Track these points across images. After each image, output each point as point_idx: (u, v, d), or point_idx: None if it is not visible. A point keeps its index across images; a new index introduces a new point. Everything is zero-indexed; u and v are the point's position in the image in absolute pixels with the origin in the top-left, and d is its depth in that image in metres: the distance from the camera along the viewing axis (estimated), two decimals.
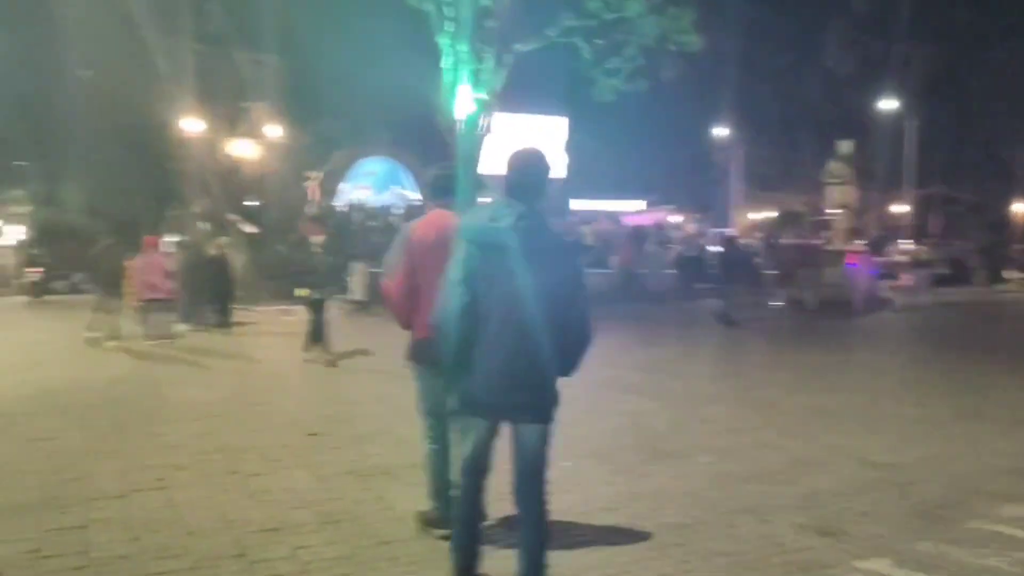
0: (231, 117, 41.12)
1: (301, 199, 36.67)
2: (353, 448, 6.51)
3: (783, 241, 23.64)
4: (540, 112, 34.59)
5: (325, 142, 39.29)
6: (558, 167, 34.80)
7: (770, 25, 35.03)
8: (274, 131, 40.03)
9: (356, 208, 33.17)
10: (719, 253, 24.93)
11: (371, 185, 39.75)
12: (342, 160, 39.86)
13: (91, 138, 32.48)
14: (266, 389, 9.24)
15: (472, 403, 3.53)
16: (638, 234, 24.78)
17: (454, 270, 3.48)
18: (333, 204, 36.66)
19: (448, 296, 3.47)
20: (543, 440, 3.50)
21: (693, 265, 22.38)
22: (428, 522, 4.47)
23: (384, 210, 34.41)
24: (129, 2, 30.06)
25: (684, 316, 18.50)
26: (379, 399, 8.37)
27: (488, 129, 16.82)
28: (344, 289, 18.25)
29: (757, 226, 35.88)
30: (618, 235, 25.72)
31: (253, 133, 41.48)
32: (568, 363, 3.54)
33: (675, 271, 22.57)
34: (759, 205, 39.94)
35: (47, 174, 34.03)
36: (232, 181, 37.19)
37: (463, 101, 16.17)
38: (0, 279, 25.37)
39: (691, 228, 35.20)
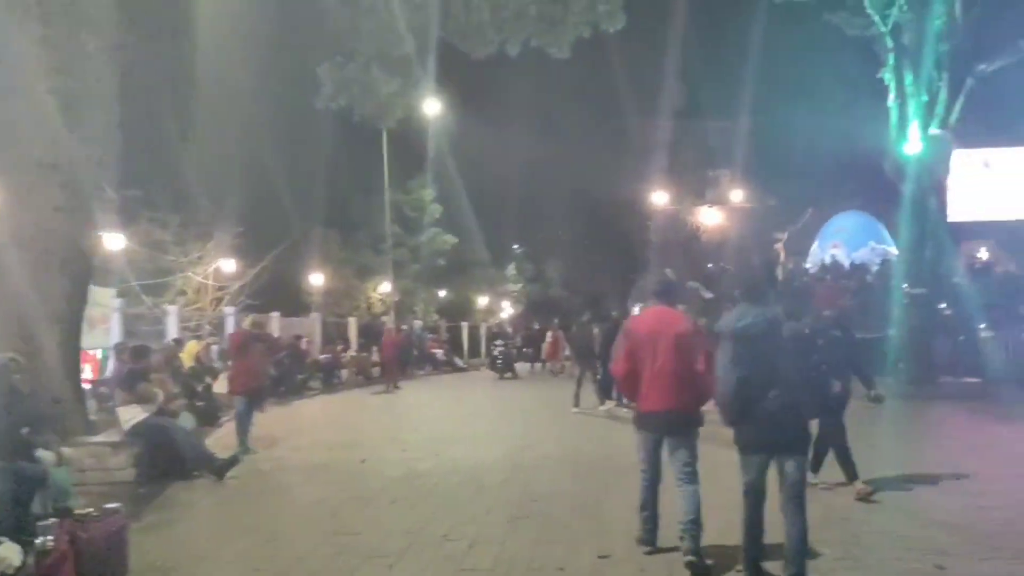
0: (697, 186, 42.69)
1: (770, 262, 36.05)
2: None
3: None
4: None
5: (791, 202, 38.37)
6: None
7: None
8: (738, 195, 40.39)
9: (828, 269, 31.17)
10: None
11: (843, 242, 37.09)
12: (811, 219, 38.32)
13: (568, 218, 36.50)
14: None
15: (752, 444, 4.75)
16: None
17: (724, 356, 4.74)
18: (804, 265, 35.14)
19: (724, 374, 4.71)
20: (801, 469, 4.68)
21: None
22: (637, 540, 5.48)
23: (859, 269, 31.67)
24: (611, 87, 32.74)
25: None
26: None
27: (947, 169, 14.62)
28: None
29: None
30: None
31: (719, 199, 42.39)
32: (810, 411, 4.95)
33: None
34: None
35: (533, 254, 39.03)
36: (695, 248, 38.32)
37: (913, 140, 14.35)
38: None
39: None
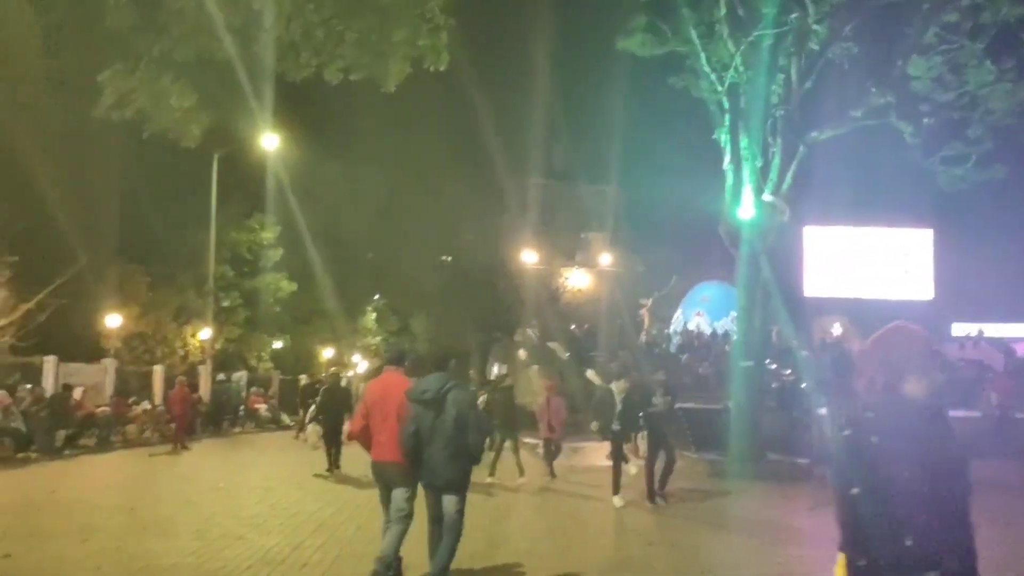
0: (568, 247, 42.38)
1: (635, 326, 35.74)
2: None
3: None
4: (898, 225, 29.82)
5: (659, 268, 38.45)
6: (923, 286, 29.60)
7: None
8: (607, 259, 40.22)
9: (687, 336, 30.89)
10: None
11: (706, 311, 37.19)
12: (676, 286, 38.39)
13: (434, 271, 35.03)
14: None
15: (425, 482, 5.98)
16: (1020, 366, 19.27)
17: (409, 413, 5.88)
18: (665, 331, 34.88)
19: (404, 427, 5.81)
20: (457, 504, 5.90)
21: None
22: None
23: (718, 339, 31.63)
24: (482, 141, 31.95)
25: None
26: None
27: (773, 233, 14.03)
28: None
29: None
30: (991, 367, 20.27)
31: (588, 262, 42.19)
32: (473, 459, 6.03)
33: None
34: None
35: (396, 306, 37.30)
36: (561, 309, 37.68)
37: (746, 205, 13.68)
38: None
39: None
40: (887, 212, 28.91)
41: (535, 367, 28.06)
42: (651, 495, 10.05)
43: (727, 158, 14.48)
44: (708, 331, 33.93)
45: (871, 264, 29.52)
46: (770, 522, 8.95)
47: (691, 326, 34.90)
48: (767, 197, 13.94)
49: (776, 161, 14.09)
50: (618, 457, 10.19)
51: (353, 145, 32.82)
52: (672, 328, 35.61)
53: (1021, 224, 28.88)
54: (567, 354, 29.63)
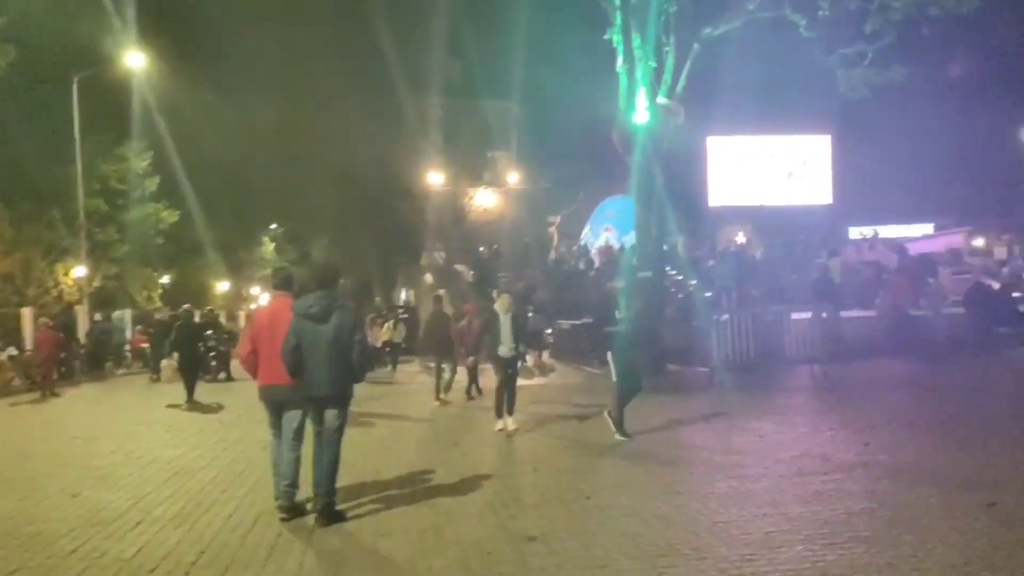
0: (473, 167, 41.26)
1: (543, 245, 35.29)
2: None
3: None
4: (798, 132, 29.87)
5: (566, 185, 37.86)
6: (823, 192, 29.91)
7: None
8: (514, 178, 39.32)
9: (597, 252, 30.50)
10: None
11: (614, 226, 36.79)
12: (583, 202, 37.94)
13: (333, 195, 33.49)
14: None
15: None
16: (915, 265, 19.52)
17: (291, 328, 5.90)
18: (574, 248, 34.43)
19: (286, 342, 5.88)
20: (339, 418, 6.01)
21: (991, 303, 16.78)
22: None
23: (625, 253, 31.21)
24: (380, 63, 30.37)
25: (977, 376, 13.37)
26: None
27: (669, 137, 13.47)
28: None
29: None
30: (887, 267, 20.50)
31: (495, 181, 41.23)
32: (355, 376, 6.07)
33: (965, 311, 17.08)
34: None
35: (295, 234, 35.74)
36: (468, 230, 36.87)
37: (641, 109, 13.00)
38: None
39: (998, 253, 28.09)
40: (788, 120, 28.89)
41: (442, 290, 27.45)
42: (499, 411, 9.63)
43: (620, 60, 13.71)
44: (617, 246, 33.61)
45: (772, 172, 29.61)
46: (659, 440, 8.53)
47: (600, 242, 34.65)
48: (661, 100, 13.27)
49: (670, 62, 13.40)
50: (504, 383, 9.59)
51: (241, 69, 30.65)
52: (581, 244, 35.29)
53: (912, 128, 29.30)
54: (472, 276, 29.05)
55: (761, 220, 30.88)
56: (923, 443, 7.89)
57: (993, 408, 9.91)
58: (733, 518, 5.52)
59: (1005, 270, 21.12)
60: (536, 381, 15.40)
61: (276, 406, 6.19)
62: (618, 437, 8.58)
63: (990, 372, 13.53)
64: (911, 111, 27.52)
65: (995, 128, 31.07)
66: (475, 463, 7.81)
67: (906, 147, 30.36)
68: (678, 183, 22.20)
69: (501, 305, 9.89)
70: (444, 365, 12.92)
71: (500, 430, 9.42)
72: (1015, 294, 17.88)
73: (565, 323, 20.25)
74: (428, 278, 35.50)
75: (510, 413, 9.53)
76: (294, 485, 6.05)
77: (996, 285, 18.29)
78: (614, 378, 8.82)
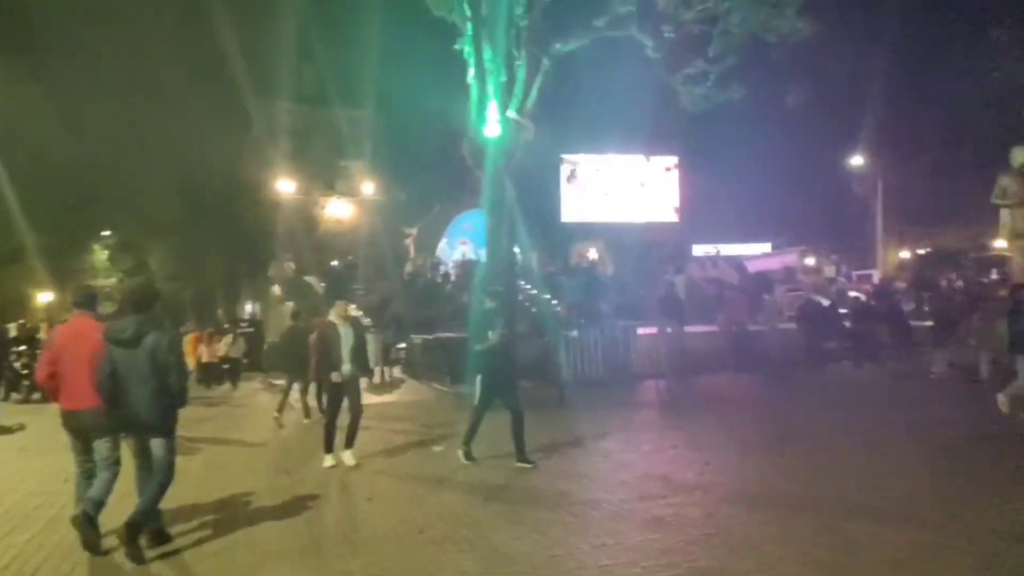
0: (326, 176, 40.05)
1: (399, 257, 34.60)
2: None
3: (939, 284, 18.62)
4: (647, 151, 30.78)
5: (423, 196, 37.37)
6: (670, 210, 30.99)
7: (919, 31, 29.92)
8: (369, 188, 38.44)
9: (453, 266, 30.23)
10: (860, 303, 20.21)
11: (471, 239, 36.73)
12: (440, 215, 37.65)
13: (180, 204, 31.48)
14: None
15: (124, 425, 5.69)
16: (752, 282, 20.42)
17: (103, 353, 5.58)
18: (430, 261, 33.95)
19: (99, 367, 5.52)
20: (165, 446, 5.67)
21: (821, 319, 17.73)
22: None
23: (481, 267, 31.04)
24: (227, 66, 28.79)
25: (810, 391, 13.99)
26: None
27: (519, 151, 13.40)
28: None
29: (905, 267, 30.38)
30: (726, 284, 21.36)
31: (349, 191, 40.17)
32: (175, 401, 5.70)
33: (798, 327, 17.96)
34: (907, 242, 34.21)
35: (131, 243, 33.31)
36: (321, 241, 35.71)
37: (492, 122, 12.83)
38: None
39: (828, 272, 30.06)
40: (638, 139, 29.72)
41: (290, 303, 26.28)
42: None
43: (471, 71, 13.48)
44: (473, 259, 33.50)
45: (623, 189, 30.43)
46: (505, 463, 8.24)
47: (456, 255, 34.49)
48: (511, 114, 13.15)
49: (521, 75, 13.30)
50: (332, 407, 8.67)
51: (75, 64, 28.25)
52: (437, 257, 34.97)
53: (752, 151, 30.89)
54: (324, 288, 28.06)
55: (613, 237, 31.67)
56: (760, 462, 8.00)
57: (823, 424, 10.29)
58: (572, 550, 5.28)
59: (833, 288, 22.50)
60: (383, 399, 14.86)
61: (81, 433, 5.78)
62: (463, 460, 8.23)
63: (819, 387, 14.21)
64: (752, 135, 28.98)
65: (825, 155, 33.31)
66: (306, 494, 7.22)
67: (747, 169, 31.91)
68: (532, 198, 22.28)
69: (338, 313, 8.76)
70: (296, 384, 12.05)
71: (332, 467, 8.33)
72: (842, 311, 19.00)
73: (418, 338, 19.81)
74: (276, 290, 34.09)
75: (349, 446, 8.46)
76: (101, 503, 5.62)
77: (826, 302, 19.38)
78: (476, 400, 8.36)
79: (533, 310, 17.91)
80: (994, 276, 20.78)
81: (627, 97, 22.57)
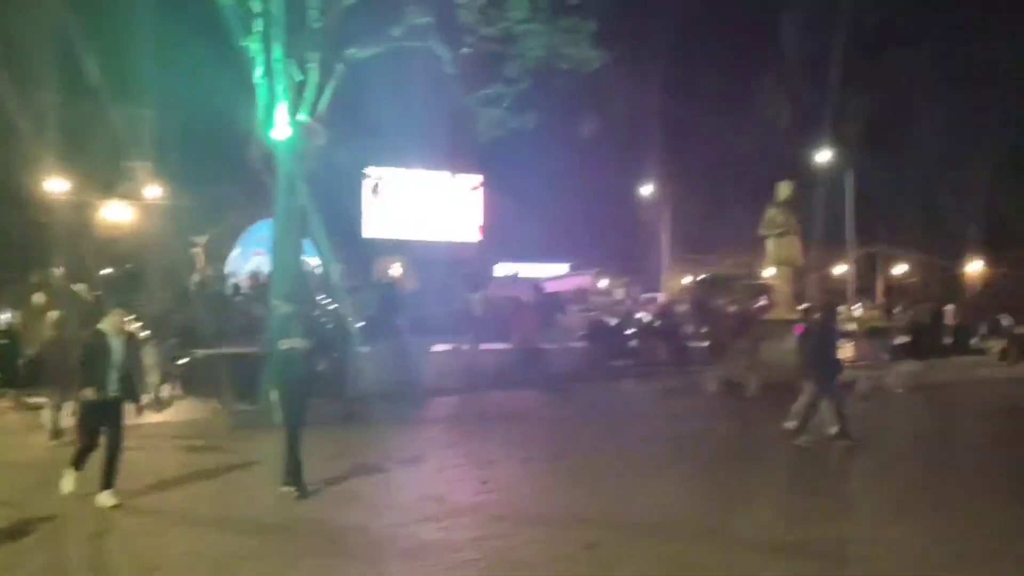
0: (106, 177, 36.88)
1: (186, 266, 32.29)
2: None
3: (714, 308, 19.93)
4: (452, 169, 30.84)
5: (217, 203, 35.27)
6: (473, 229, 31.20)
7: (697, 75, 32.39)
8: (155, 192, 35.78)
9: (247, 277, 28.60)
10: (643, 323, 21.27)
11: (265, 250, 34.85)
12: (233, 223, 35.65)
13: None
14: None
15: None
16: (544, 302, 20.85)
17: None
18: (224, 273, 31.98)
19: None
20: None
21: (608, 338, 18.42)
22: None
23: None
24: None
25: (593, 406, 14.32)
26: None
27: (311, 157, 12.87)
28: None
29: (687, 291, 32.46)
30: (519, 302, 21.70)
31: (131, 194, 37.21)
32: None
33: (587, 344, 18.55)
34: (690, 268, 36.64)
35: None
36: (96, 246, 32.74)
37: (281, 124, 12.18)
38: None
39: (619, 293, 31.51)
40: (443, 156, 29.71)
41: (55, 313, 23.74)
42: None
43: (259, 70, 12.73)
44: (267, 271, 31.76)
45: (428, 206, 30.31)
46: (260, 495, 7.52)
47: (250, 266, 32.77)
48: (302, 118, 12.56)
49: (313, 78, 12.74)
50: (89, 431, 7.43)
51: None
52: (228, 268, 33.09)
53: (551, 174, 31.84)
54: (95, 297, 25.65)
55: (418, 253, 31.45)
56: (536, 478, 7.95)
57: (600, 439, 10.49)
58: None
59: (621, 309, 23.51)
60: (153, 418, 13.59)
61: None
62: (283, 489, 7.23)
63: (603, 402, 14.63)
64: (552, 159, 29.88)
65: (619, 183, 35.07)
66: (29, 534, 6.25)
67: (547, 192, 32.80)
68: (335, 210, 21.52)
69: (112, 323, 7.59)
70: (63, 401, 10.60)
71: (70, 493, 7.21)
72: (628, 331, 19.86)
73: (201, 352, 18.46)
74: (39, 297, 30.76)
75: (107, 486, 7.16)
76: None
77: (613, 322, 20.20)
78: (282, 420, 7.37)
79: (325, 323, 17.21)
80: (762, 302, 22.60)
81: (432, 112, 22.46)
